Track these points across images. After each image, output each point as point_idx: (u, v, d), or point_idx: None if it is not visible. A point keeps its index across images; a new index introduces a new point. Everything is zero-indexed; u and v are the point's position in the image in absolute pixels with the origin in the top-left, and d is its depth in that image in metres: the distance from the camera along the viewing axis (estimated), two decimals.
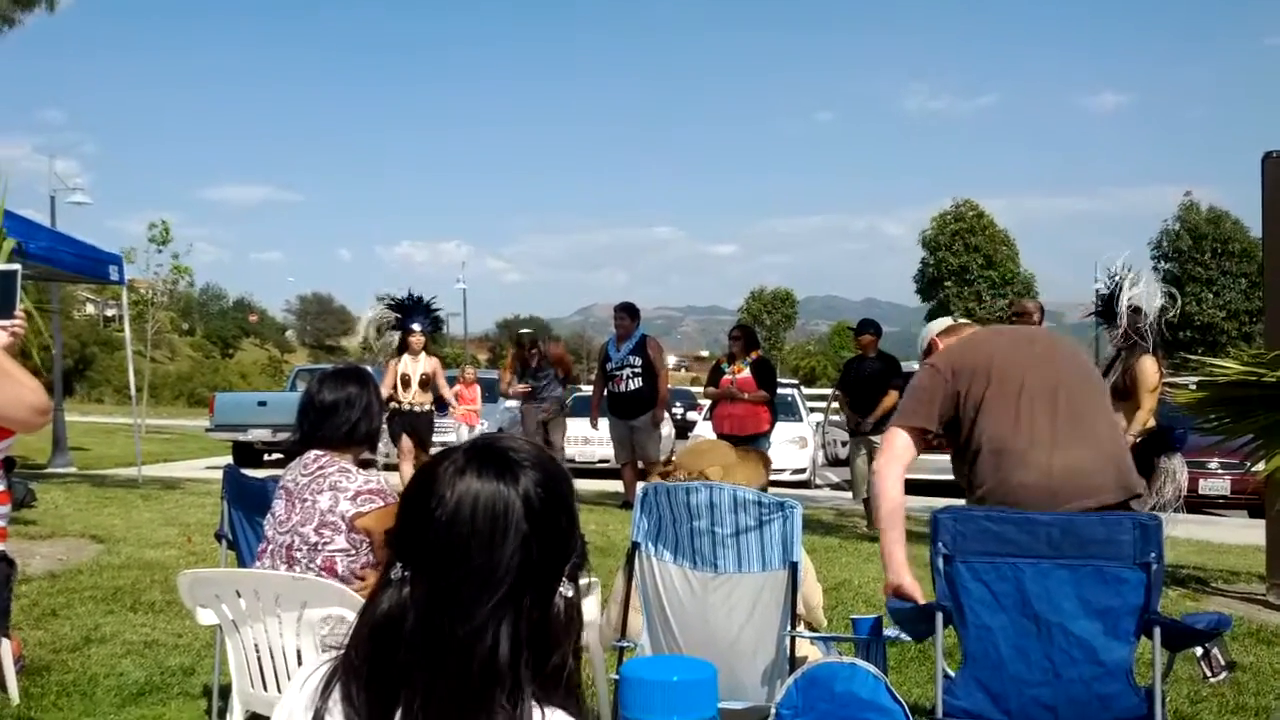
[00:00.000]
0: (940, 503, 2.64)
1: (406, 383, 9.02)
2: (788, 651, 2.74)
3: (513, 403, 10.49)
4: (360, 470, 2.72)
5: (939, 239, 45.97)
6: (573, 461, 12.51)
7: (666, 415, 11.52)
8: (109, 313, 55.42)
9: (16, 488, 7.33)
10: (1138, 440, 5.46)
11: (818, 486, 13.81)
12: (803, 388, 19.16)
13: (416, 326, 9.18)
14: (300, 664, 2.40)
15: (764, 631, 2.79)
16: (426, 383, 9.11)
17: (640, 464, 9.25)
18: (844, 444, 9.90)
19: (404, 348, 9.14)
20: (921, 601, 2.60)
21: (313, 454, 2.72)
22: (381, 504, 2.64)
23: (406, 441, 9.05)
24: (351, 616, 1.15)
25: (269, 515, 2.75)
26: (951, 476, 2.95)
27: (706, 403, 10.96)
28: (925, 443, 2.81)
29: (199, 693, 3.81)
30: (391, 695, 1.04)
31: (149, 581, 5.63)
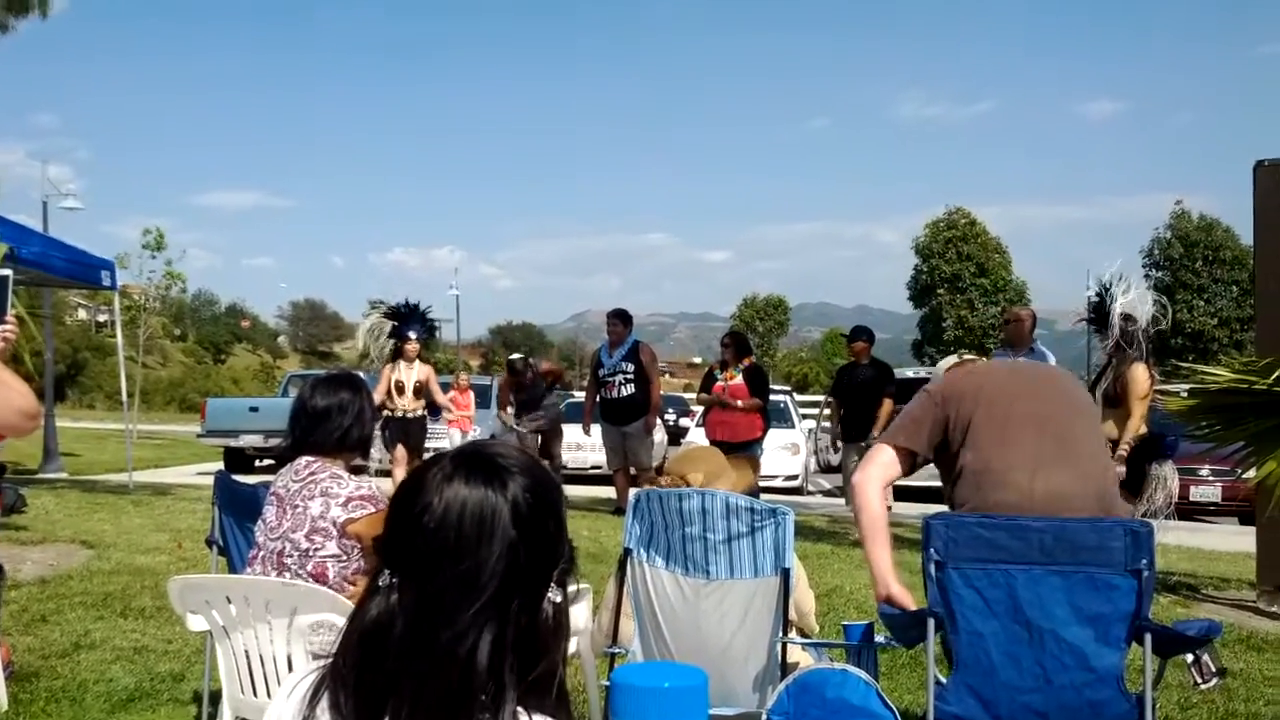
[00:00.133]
0: (933, 509, 2.64)
1: (400, 389, 9.05)
2: (779, 657, 2.74)
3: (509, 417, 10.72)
4: (352, 476, 2.72)
5: (932, 246, 46.04)
6: (565, 467, 12.50)
7: (659, 421, 11.56)
8: (101, 318, 55.35)
9: (7, 493, 7.31)
10: (1130, 447, 5.48)
11: (810, 493, 13.81)
12: (795, 394, 19.16)
13: (412, 334, 9.19)
14: (291, 670, 2.39)
15: (756, 638, 2.79)
16: (420, 390, 9.13)
17: (633, 470, 9.26)
18: (835, 449, 9.89)
19: (398, 355, 9.15)
20: (912, 608, 2.60)
21: (304, 460, 2.72)
22: (373, 510, 2.63)
23: (400, 449, 9.07)
24: (342, 623, 1.14)
25: (260, 521, 2.74)
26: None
27: (699, 409, 10.97)
28: (912, 465, 2.82)
29: (189, 699, 3.79)
30: (379, 703, 1.04)
31: (139, 587, 5.60)
